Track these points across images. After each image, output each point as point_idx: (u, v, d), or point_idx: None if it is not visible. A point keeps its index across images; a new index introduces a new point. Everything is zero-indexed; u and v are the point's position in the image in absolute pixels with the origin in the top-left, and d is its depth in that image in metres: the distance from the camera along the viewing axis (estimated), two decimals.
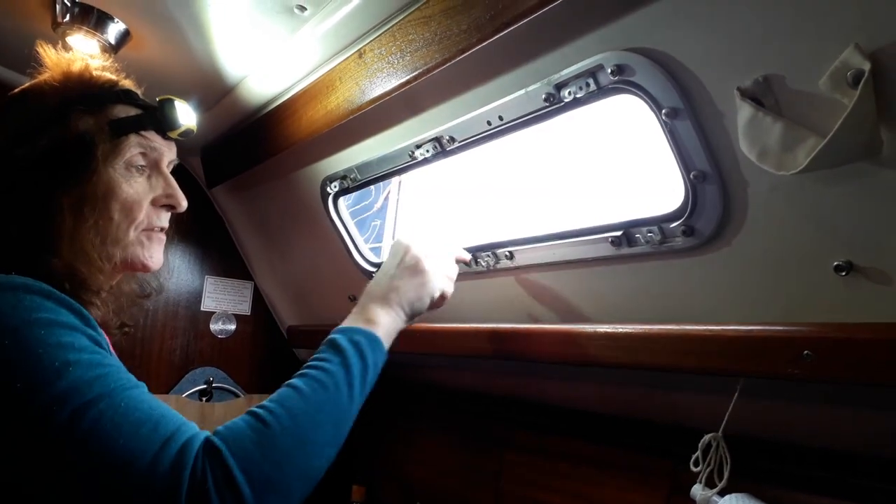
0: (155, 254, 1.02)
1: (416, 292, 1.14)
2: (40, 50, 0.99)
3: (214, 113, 1.83)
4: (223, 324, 2.45)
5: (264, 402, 0.86)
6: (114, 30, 1.45)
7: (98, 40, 1.44)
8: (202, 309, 2.41)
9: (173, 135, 1.04)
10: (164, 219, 1.04)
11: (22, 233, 0.88)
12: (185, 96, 1.73)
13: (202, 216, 2.41)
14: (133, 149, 0.97)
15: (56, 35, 1.43)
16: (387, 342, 1.05)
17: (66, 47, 1.47)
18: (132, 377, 0.81)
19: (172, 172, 1.07)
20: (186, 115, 1.05)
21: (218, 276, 2.46)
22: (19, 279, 0.80)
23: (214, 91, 1.73)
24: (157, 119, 1.01)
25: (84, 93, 0.96)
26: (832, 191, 0.89)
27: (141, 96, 1.03)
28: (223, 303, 2.46)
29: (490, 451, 1.86)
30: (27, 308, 0.77)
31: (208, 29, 1.41)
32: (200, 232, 2.41)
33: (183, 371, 2.34)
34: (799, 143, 0.84)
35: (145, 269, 1.01)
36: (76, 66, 0.98)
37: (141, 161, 0.99)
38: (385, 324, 1.06)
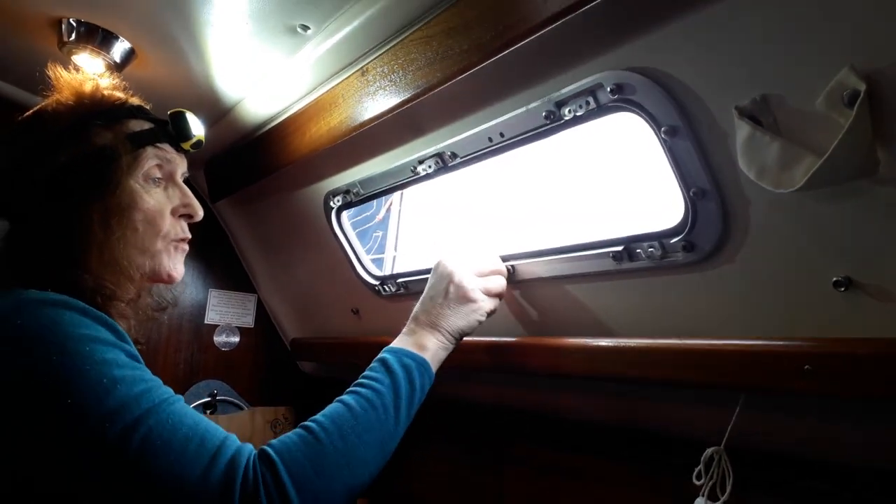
0: (178, 265, 1.05)
1: (466, 320, 1.18)
2: (51, 72, 1.01)
3: (219, 128, 1.85)
4: (227, 336, 2.46)
5: (317, 418, 0.90)
6: (119, 48, 1.46)
7: (103, 59, 1.46)
8: (206, 322, 2.42)
9: (186, 146, 1.07)
10: (186, 229, 1.07)
11: (51, 249, 0.90)
12: (188, 110, 1.76)
13: (206, 230, 2.41)
14: (151, 160, 1.00)
15: (62, 54, 1.45)
16: (434, 367, 1.11)
17: (74, 67, 1.50)
18: (170, 389, 0.84)
19: None
20: (197, 127, 1.09)
21: (222, 289, 2.47)
22: (57, 296, 0.82)
23: (219, 107, 1.74)
24: (171, 131, 1.05)
25: (99, 109, 0.98)
26: (830, 208, 0.90)
27: (150, 112, 1.06)
28: (227, 316, 2.47)
29: (492, 465, 1.87)
30: (69, 324, 0.79)
31: (212, 47, 1.43)
32: (204, 245, 2.43)
33: (187, 384, 2.35)
34: (796, 162, 0.85)
35: (170, 279, 1.03)
36: (88, 86, 1.00)
37: (158, 173, 1.02)
38: (433, 349, 1.12)
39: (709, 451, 1.14)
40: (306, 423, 0.89)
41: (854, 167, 0.82)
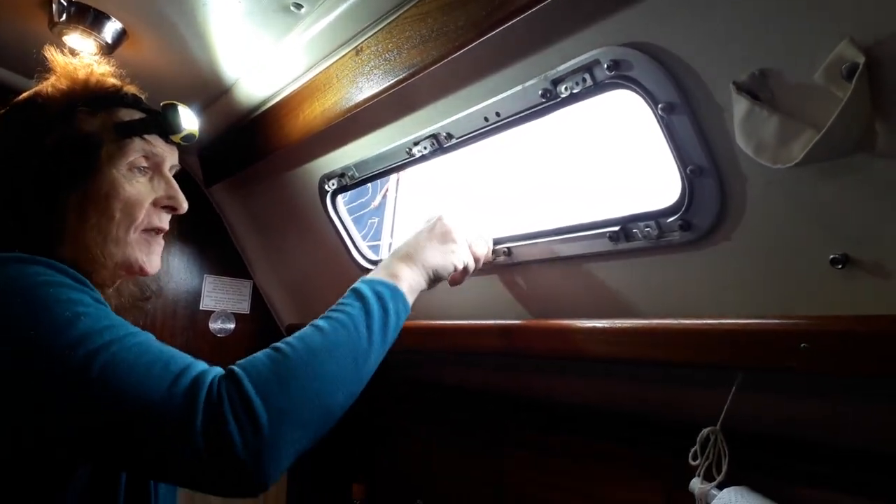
0: (153, 258, 1.04)
1: (442, 258, 1.16)
2: (47, 54, 1.01)
3: (212, 111, 1.83)
4: (222, 323, 2.46)
5: (286, 339, 0.89)
6: (110, 29, 1.45)
7: (95, 40, 1.44)
8: (201, 308, 2.42)
9: (176, 139, 1.06)
10: (165, 220, 1.05)
11: (29, 230, 0.91)
12: (182, 95, 1.74)
13: (200, 215, 2.40)
14: (136, 152, 1.00)
15: (53, 35, 1.43)
16: (410, 298, 1.08)
17: (64, 47, 1.48)
18: (140, 329, 0.84)
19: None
20: (189, 120, 1.07)
21: (217, 274, 2.46)
22: (21, 254, 0.84)
23: (212, 90, 1.73)
24: (161, 123, 1.04)
25: (89, 95, 0.98)
26: (828, 184, 0.89)
27: (145, 101, 1.05)
28: (222, 302, 2.46)
29: (490, 449, 1.87)
30: (33, 274, 0.80)
31: (205, 28, 1.41)
32: (199, 231, 2.41)
33: None
34: (794, 137, 0.85)
35: (142, 272, 1.02)
36: (82, 71, 1.00)
37: (143, 163, 1.01)
38: (408, 279, 1.09)
39: (705, 431, 1.14)
40: (274, 344, 0.88)
41: (852, 141, 0.82)
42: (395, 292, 1.04)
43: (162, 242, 1.07)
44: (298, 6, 1.28)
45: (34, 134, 0.94)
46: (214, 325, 2.44)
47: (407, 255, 1.13)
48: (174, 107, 1.05)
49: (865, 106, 0.79)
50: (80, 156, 0.94)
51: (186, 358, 0.83)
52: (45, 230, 0.92)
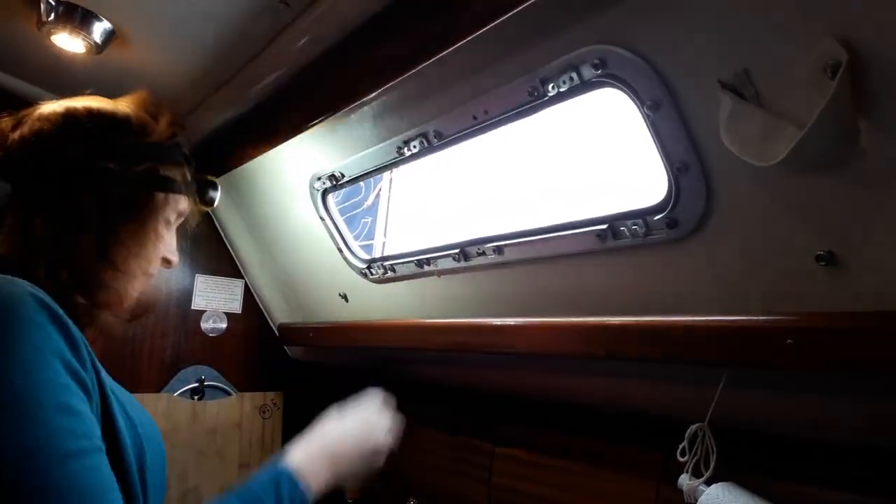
0: (151, 299, 1.08)
1: (357, 474, 1.18)
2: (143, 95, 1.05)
3: (201, 111, 1.83)
4: (214, 322, 2.45)
5: None
6: (99, 29, 1.44)
7: (83, 39, 1.44)
8: (193, 307, 2.41)
9: (204, 208, 1.17)
10: (157, 270, 1.09)
11: (65, 243, 0.91)
12: (171, 94, 1.74)
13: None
14: (181, 206, 1.07)
15: (41, 34, 1.43)
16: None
17: (52, 47, 1.48)
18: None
19: None
20: (218, 200, 1.21)
21: (208, 274, 2.46)
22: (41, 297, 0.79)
23: (201, 89, 1.72)
24: (208, 195, 1.18)
25: (173, 145, 1.05)
26: (813, 181, 0.90)
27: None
28: (214, 301, 2.46)
29: (481, 446, 1.87)
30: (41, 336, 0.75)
31: (194, 27, 1.41)
32: (190, 230, 2.41)
33: (174, 370, 2.34)
34: (779, 134, 0.85)
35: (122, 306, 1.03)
36: (168, 118, 1.05)
37: (173, 218, 1.07)
38: (320, 486, 1.06)
39: (692, 427, 1.14)
40: None
41: (836, 138, 0.82)
42: (300, 495, 1.01)
43: (149, 287, 1.09)
44: (286, 4, 1.28)
45: (126, 157, 0.97)
46: (206, 325, 2.43)
47: (335, 463, 1.11)
48: (216, 185, 1.21)
49: (848, 103, 0.79)
50: (152, 192, 1.00)
51: None
52: (95, 251, 0.93)
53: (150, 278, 1.05)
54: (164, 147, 1.03)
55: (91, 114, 0.98)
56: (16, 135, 0.94)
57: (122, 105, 1.02)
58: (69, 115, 0.96)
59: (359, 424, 1.22)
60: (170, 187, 1.02)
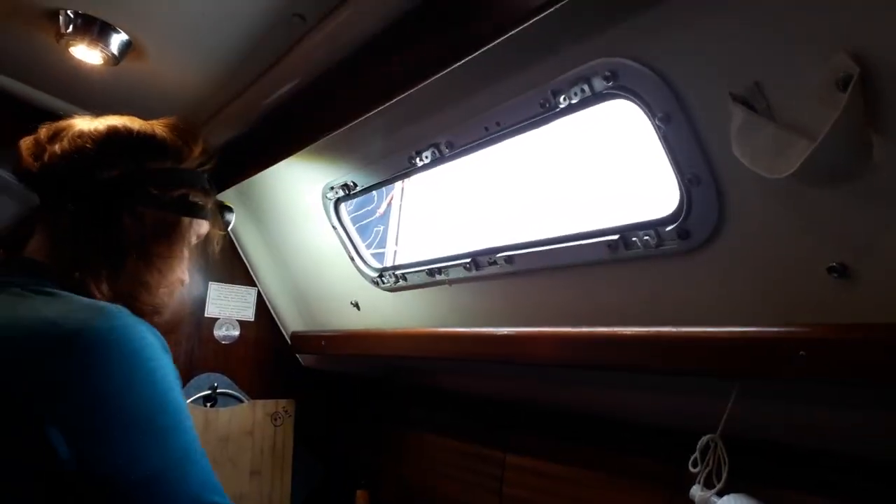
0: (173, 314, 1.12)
1: None
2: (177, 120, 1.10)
3: (216, 122, 1.84)
4: (227, 330, 2.47)
5: None
6: (116, 41, 1.46)
7: (101, 51, 1.46)
8: (206, 315, 2.43)
9: (221, 232, 1.22)
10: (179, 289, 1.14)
11: (103, 258, 0.96)
12: (186, 105, 1.76)
13: None
14: (202, 230, 1.13)
15: (59, 46, 1.45)
16: None
17: (71, 59, 1.50)
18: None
19: None
20: (233, 220, 1.28)
21: (222, 282, 2.48)
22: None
23: (216, 100, 1.74)
24: (222, 217, 1.23)
25: (202, 171, 1.11)
26: (824, 194, 0.90)
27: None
28: (227, 309, 2.48)
29: (492, 456, 1.87)
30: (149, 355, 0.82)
31: (210, 39, 1.43)
32: (204, 238, 2.42)
33: (187, 377, 2.35)
34: (790, 147, 0.85)
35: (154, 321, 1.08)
36: (202, 145, 1.10)
37: (194, 241, 1.13)
38: None
39: (704, 438, 1.14)
40: None
41: (848, 151, 0.82)
42: None
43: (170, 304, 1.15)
44: (301, 17, 1.29)
45: (166, 180, 1.03)
46: (219, 333, 2.45)
47: None
48: (231, 209, 1.28)
49: (860, 116, 0.79)
50: (181, 216, 1.06)
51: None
52: (133, 270, 0.99)
53: (174, 296, 1.09)
54: (195, 174, 1.08)
55: (133, 136, 1.01)
56: (55, 148, 0.97)
57: (160, 128, 1.06)
58: (111, 134, 1.00)
59: None
60: (198, 213, 1.08)
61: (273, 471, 2.47)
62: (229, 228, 1.28)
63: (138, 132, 1.02)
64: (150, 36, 1.46)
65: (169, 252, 1.04)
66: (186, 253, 1.09)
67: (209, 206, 1.12)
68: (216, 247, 1.22)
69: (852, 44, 0.78)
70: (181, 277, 1.09)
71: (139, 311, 0.96)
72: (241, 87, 1.65)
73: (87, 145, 0.97)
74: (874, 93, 0.78)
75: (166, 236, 1.03)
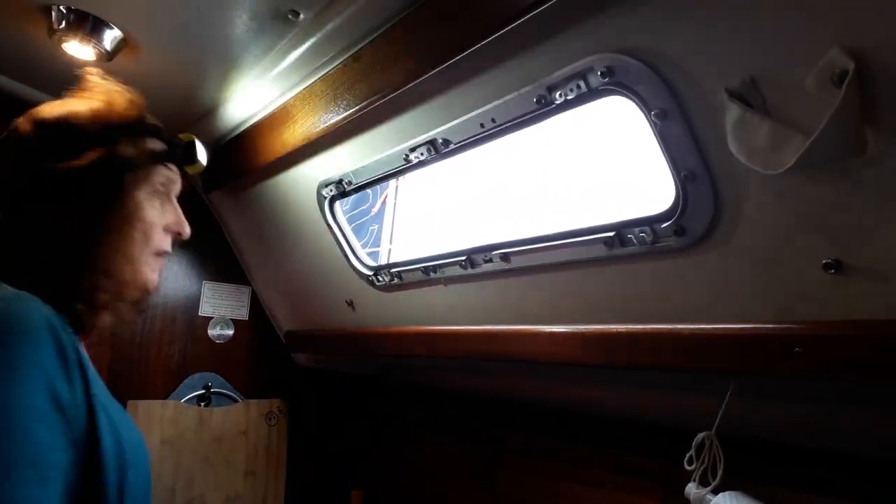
0: (156, 277, 1.07)
1: None
2: (87, 76, 1.05)
3: (210, 118, 1.84)
4: (221, 329, 2.46)
5: None
6: (109, 37, 1.45)
7: (94, 47, 1.45)
8: (200, 314, 2.42)
9: (191, 170, 1.15)
10: (169, 244, 1.10)
11: (49, 248, 0.92)
12: (181, 102, 1.76)
13: (200, 221, 2.38)
14: (159, 178, 1.06)
15: (52, 42, 1.44)
16: None
17: (63, 54, 1.49)
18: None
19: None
20: (203, 155, 1.18)
21: (216, 281, 2.47)
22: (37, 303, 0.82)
23: (211, 97, 1.74)
24: (183, 155, 1.13)
25: (125, 122, 1.02)
26: (820, 189, 0.90)
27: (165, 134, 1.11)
28: (221, 308, 2.47)
29: (486, 454, 1.87)
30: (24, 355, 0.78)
31: (204, 36, 1.42)
32: (198, 237, 2.39)
33: (181, 376, 2.35)
34: (786, 142, 0.85)
35: (146, 290, 1.04)
36: (119, 97, 1.04)
37: (161, 189, 1.07)
38: None
39: (700, 436, 1.14)
40: None
41: (843, 147, 0.82)
42: None
43: (164, 264, 1.11)
44: (296, 14, 1.29)
45: (69, 154, 0.96)
46: (213, 332, 2.44)
47: None
48: (194, 142, 1.16)
49: (855, 112, 0.79)
50: (113, 178, 0.98)
51: None
52: (70, 250, 0.93)
53: (155, 257, 1.05)
54: (112, 129, 1.00)
55: (35, 124, 0.98)
56: None
57: (72, 103, 1.01)
58: (11, 131, 0.98)
59: None
60: (127, 167, 1.00)
61: (268, 471, 2.46)
62: (202, 163, 1.19)
63: (40, 119, 0.98)
64: (144, 32, 1.45)
65: (119, 222, 0.97)
66: (148, 211, 1.02)
67: (141, 153, 1.02)
68: (175, 202, 1.11)
69: (848, 39, 0.78)
70: (153, 238, 1.03)
71: (102, 298, 0.94)
72: (235, 83, 1.64)
73: None
74: (869, 88, 0.78)
75: (103, 208, 0.96)
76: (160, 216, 1.06)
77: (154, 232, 1.03)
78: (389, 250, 2.78)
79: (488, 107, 1.24)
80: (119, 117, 1.02)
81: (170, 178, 1.08)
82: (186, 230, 1.12)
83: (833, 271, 0.93)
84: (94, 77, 1.05)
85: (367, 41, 1.30)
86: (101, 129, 0.99)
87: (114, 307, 1.01)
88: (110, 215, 0.97)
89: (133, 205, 1.00)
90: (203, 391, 2.38)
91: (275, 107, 1.66)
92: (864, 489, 1.12)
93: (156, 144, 1.06)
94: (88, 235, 0.94)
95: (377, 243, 2.95)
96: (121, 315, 1.06)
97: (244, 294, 2.53)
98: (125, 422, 0.93)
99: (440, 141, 1.40)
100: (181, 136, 1.13)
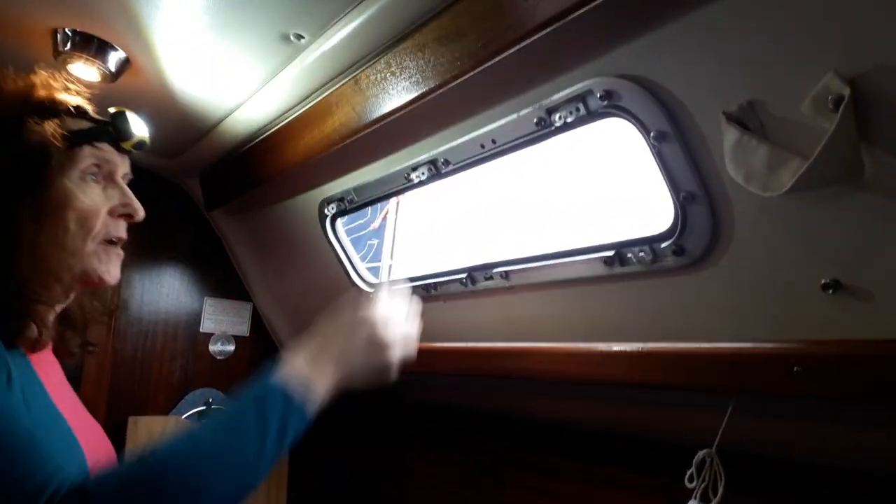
0: (112, 268, 0.99)
1: (368, 365, 1.03)
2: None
3: (213, 137, 1.86)
4: (222, 345, 2.46)
5: (158, 446, 0.79)
6: (114, 58, 1.47)
7: (98, 68, 1.47)
8: (201, 330, 2.42)
9: (127, 146, 1.02)
10: (122, 229, 1.01)
11: None
12: (184, 120, 1.77)
13: (201, 238, 2.42)
14: (87, 160, 0.96)
15: (57, 63, 1.46)
16: (314, 407, 0.93)
17: (68, 76, 1.51)
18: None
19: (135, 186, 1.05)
20: (139, 127, 1.03)
21: (217, 297, 2.47)
22: None
23: (213, 115, 1.75)
24: (111, 131, 1.00)
25: (37, 105, 0.95)
26: (818, 211, 0.91)
27: (91, 112, 1.00)
28: (222, 324, 2.47)
29: (487, 471, 1.87)
30: None
31: (207, 56, 1.44)
32: (199, 254, 2.43)
33: (182, 392, 2.35)
34: (783, 166, 0.87)
35: (102, 283, 0.98)
36: (26, 81, 0.97)
37: (95, 171, 0.97)
38: (320, 388, 0.94)
39: (700, 453, 1.14)
40: (147, 451, 0.79)
41: (840, 170, 0.83)
42: (299, 408, 0.90)
43: (121, 253, 1.01)
44: (299, 36, 1.31)
45: None
46: (214, 348, 2.44)
47: (340, 359, 0.99)
48: (123, 114, 1.01)
49: (852, 135, 0.80)
50: (31, 166, 0.91)
51: (29, 461, 0.74)
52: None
53: (105, 246, 0.97)
54: (18, 112, 0.92)
55: None
56: None
57: None
58: None
59: (362, 316, 1.04)
60: (43, 152, 0.91)
61: (269, 487, 2.45)
62: (138, 138, 1.02)
63: None
64: (147, 53, 1.47)
65: (43, 216, 0.90)
66: (78, 196, 0.93)
67: (55, 132, 0.92)
68: (122, 182, 1.01)
69: (843, 65, 0.79)
70: (91, 224, 0.93)
71: (35, 305, 0.89)
72: (237, 103, 1.66)
73: None
74: (865, 112, 0.80)
75: (20, 202, 0.89)
76: (103, 200, 0.97)
77: (94, 219, 0.94)
78: (390, 266, 2.79)
79: (489, 128, 1.26)
80: (30, 101, 0.94)
81: (104, 158, 0.98)
82: (137, 210, 1.01)
83: (832, 291, 0.94)
84: (7, 70, 0.97)
85: (368, 63, 1.32)
86: (12, 116, 0.92)
87: (70, 309, 0.97)
88: (39, 206, 0.90)
89: (60, 193, 0.92)
90: (204, 407, 2.38)
91: (276, 126, 1.68)
92: None
93: (78, 124, 0.97)
94: (16, 230, 0.88)
95: (376, 257, 2.95)
96: (85, 313, 1.03)
97: (245, 310, 2.53)
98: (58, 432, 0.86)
99: (441, 161, 1.42)
100: (111, 109, 1.01)
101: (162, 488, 0.75)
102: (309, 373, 0.93)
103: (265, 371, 0.92)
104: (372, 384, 1.02)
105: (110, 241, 0.99)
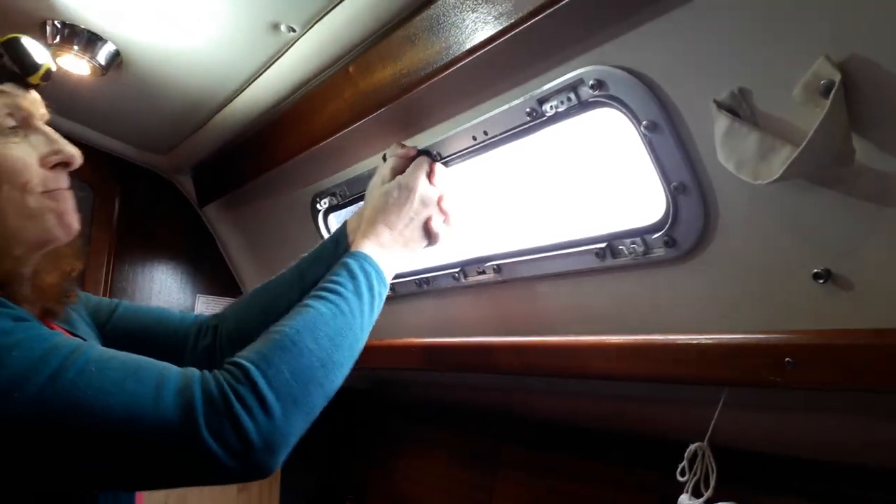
0: (67, 217, 0.91)
1: (417, 231, 1.20)
2: None
3: (205, 131, 1.85)
4: None
5: (287, 323, 0.89)
6: (104, 51, 1.46)
7: (88, 61, 1.46)
8: None
9: (35, 80, 0.90)
10: (62, 179, 0.92)
11: None
12: (174, 114, 1.76)
13: (193, 234, 2.41)
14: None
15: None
16: (389, 275, 1.12)
17: (57, 68, 1.50)
18: (79, 340, 0.80)
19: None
20: (41, 54, 0.90)
21: (209, 294, 2.46)
22: None
23: (204, 110, 1.74)
24: (10, 66, 0.88)
25: None
26: (809, 199, 0.91)
27: None
28: None
29: (481, 467, 1.86)
30: None
31: (198, 49, 1.43)
32: (192, 250, 2.42)
33: None
34: (774, 153, 0.86)
35: (67, 234, 0.92)
36: None
37: (10, 122, 0.87)
38: (391, 257, 1.13)
39: (692, 446, 1.14)
40: (276, 328, 0.88)
41: (831, 156, 0.83)
42: (380, 274, 1.08)
43: (70, 198, 0.92)
44: (290, 28, 1.30)
45: None
46: None
47: (388, 229, 1.16)
48: (17, 40, 0.89)
49: (843, 122, 0.80)
50: None
51: (151, 365, 0.78)
52: None
53: (47, 198, 0.89)
54: None
55: None
56: None
57: None
58: None
59: (399, 183, 1.22)
60: None
61: (261, 486, 2.44)
62: (44, 68, 0.91)
63: None
64: (138, 46, 1.46)
65: None
66: (16, 156, 0.85)
67: None
68: (44, 127, 0.92)
69: (833, 50, 0.79)
70: (24, 177, 0.85)
71: None
72: (228, 97, 1.65)
73: None
74: (856, 98, 0.79)
75: None
76: (28, 152, 0.87)
77: (25, 174, 0.85)
78: None
79: (480, 119, 1.25)
80: None
81: (13, 104, 0.87)
82: (72, 153, 0.91)
83: (823, 281, 0.94)
84: None
85: (357, 53, 1.31)
86: None
87: (33, 285, 0.90)
88: None
89: None
90: None
91: (267, 119, 1.67)
92: (858, 499, 1.12)
93: None
94: None
95: None
96: (63, 271, 0.97)
97: None
98: None
99: (433, 154, 1.41)
100: (2, 39, 0.88)
101: (318, 360, 0.86)
102: (383, 252, 1.11)
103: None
104: (422, 248, 1.22)
105: (52, 191, 0.90)
